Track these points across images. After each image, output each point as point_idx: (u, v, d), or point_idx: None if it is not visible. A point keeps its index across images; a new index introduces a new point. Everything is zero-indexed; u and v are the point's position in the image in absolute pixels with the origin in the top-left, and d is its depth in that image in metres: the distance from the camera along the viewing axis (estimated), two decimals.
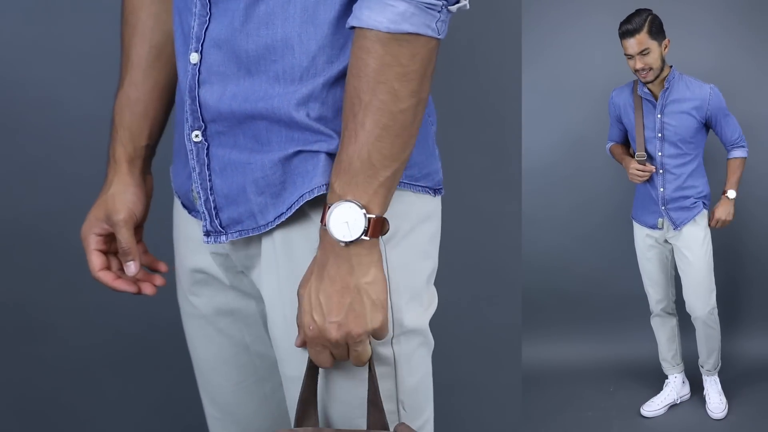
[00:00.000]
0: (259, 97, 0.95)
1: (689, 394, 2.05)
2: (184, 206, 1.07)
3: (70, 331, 1.87)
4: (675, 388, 2.04)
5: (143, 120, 1.11)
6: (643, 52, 1.83)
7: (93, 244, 1.11)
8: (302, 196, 0.96)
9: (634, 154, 1.96)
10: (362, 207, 0.91)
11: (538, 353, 2.32)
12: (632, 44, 1.83)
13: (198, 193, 1.00)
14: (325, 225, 0.91)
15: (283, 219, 0.97)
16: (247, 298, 1.09)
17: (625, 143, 2.04)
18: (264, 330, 1.10)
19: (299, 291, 0.95)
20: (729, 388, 2.11)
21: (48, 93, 1.76)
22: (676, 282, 2.06)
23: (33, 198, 1.80)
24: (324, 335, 0.93)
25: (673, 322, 2.04)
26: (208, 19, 0.95)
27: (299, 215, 0.97)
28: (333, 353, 0.95)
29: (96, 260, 1.11)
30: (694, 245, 1.94)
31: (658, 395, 2.04)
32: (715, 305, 2.01)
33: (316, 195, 0.95)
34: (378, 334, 0.95)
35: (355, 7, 0.91)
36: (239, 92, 0.95)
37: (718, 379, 2.08)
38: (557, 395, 2.19)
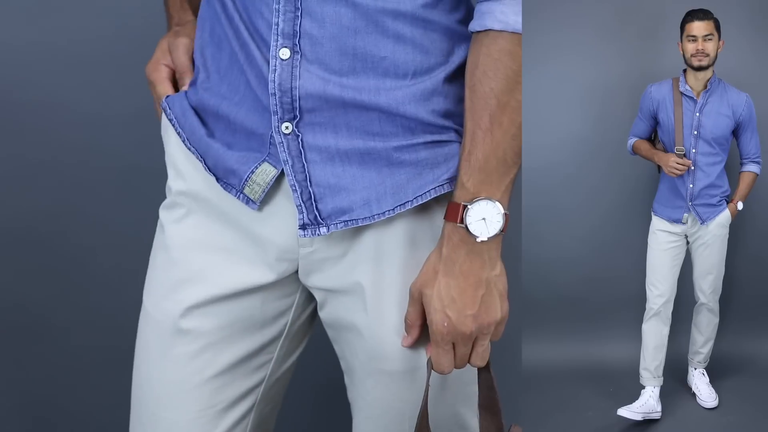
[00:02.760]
0: (371, 89, 0.95)
1: (660, 414, 2.05)
2: (227, 184, 1.02)
3: (70, 331, 1.87)
4: (654, 398, 2.04)
5: None
6: (707, 37, 1.92)
7: (164, 72, 1.11)
8: (441, 186, 0.98)
9: (665, 149, 2.02)
10: (499, 204, 0.95)
11: (538, 353, 2.32)
12: (700, 26, 1.92)
13: (293, 186, 0.98)
14: (459, 222, 0.94)
15: (407, 207, 0.98)
16: (252, 305, 1.06)
17: (649, 139, 2.08)
18: (257, 341, 1.07)
19: (424, 291, 0.96)
20: (722, 389, 2.12)
21: (48, 93, 1.76)
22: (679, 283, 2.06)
23: (33, 198, 1.80)
24: (459, 329, 0.95)
25: (666, 331, 2.05)
26: (299, 15, 0.95)
27: (421, 206, 0.99)
28: (457, 354, 0.98)
29: (169, 88, 1.11)
30: (717, 239, 2.03)
31: (635, 403, 2.03)
32: (720, 293, 2.09)
33: (450, 189, 0.98)
34: (502, 325, 0.99)
35: (492, 9, 0.94)
36: (348, 84, 0.95)
37: (706, 373, 2.14)
38: (557, 395, 2.19)
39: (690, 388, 2.15)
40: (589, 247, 2.37)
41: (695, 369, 2.15)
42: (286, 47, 0.95)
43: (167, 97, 1.08)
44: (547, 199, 2.35)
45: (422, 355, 1.01)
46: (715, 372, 2.17)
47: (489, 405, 1.04)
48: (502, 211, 0.95)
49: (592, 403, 2.14)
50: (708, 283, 2.06)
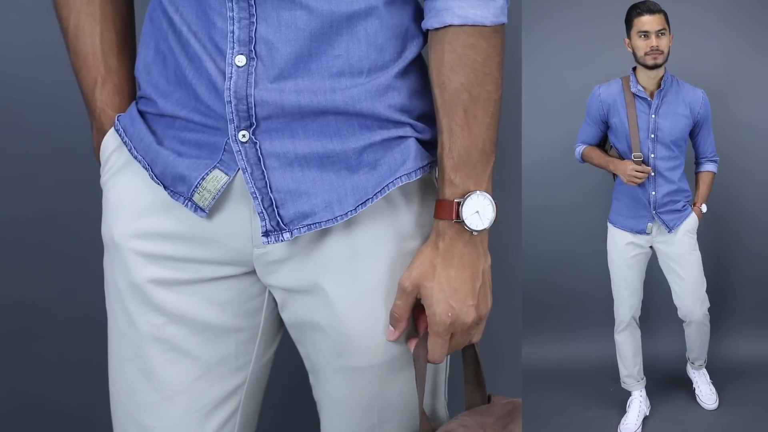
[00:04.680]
0: (326, 90, 0.96)
1: (650, 408, 2.04)
2: (174, 192, 1.02)
3: (70, 331, 1.87)
4: (644, 402, 2.02)
5: (128, 100, 1.12)
6: (661, 32, 1.81)
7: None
8: (398, 178, 0.98)
9: (619, 156, 1.90)
10: (488, 195, 0.97)
11: (538, 353, 2.32)
12: (652, 21, 1.80)
13: (253, 193, 0.97)
14: (456, 219, 0.96)
15: (368, 206, 0.98)
16: (222, 311, 1.06)
17: (599, 146, 1.97)
18: (232, 344, 1.08)
19: (423, 283, 0.97)
20: (722, 389, 2.11)
21: (48, 93, 1.76)
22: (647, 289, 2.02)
23: (33, 198, 1.80)
24: (461, 319, 0.97)
25: (638, 333, 2.00)
26: (254, 21, 0.94)
27: (381, 201, 0.99)
28: (454, 344, 0.99)
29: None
30: (688, 248, 1.92)
31: (630, 413, 2.00)
32: (708, 304, 2.00)
33: (414, 179, 0.99)
34: (485, 319, 1.02)
35: (450, 6, 0.95)
36: (304, 86, 0.95)
37: (706, 372, 2.08)
38: (557, 395, 2.19)
39: (689, 384, 2.11)
40: (589, 247, 2.37)
41: (695, 371, 2.11)
42: (242, 54, 0.95)
43: (118, 116, 1.09)
44: (547, 199, 2.35)
45: (389, 349, 1.02)
46: (715, 372, 2.16)
47: (475, 380, 1.07)
48: (493, 201, 0.97)
49: (592, 403, 2.14)
50: (694, 301, 1.95)
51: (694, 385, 2.09)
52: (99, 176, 1.16)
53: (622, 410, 2.03)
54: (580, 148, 1.97)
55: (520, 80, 1.78)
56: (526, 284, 2.14)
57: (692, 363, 2.10)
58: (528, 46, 1.79)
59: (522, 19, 1.74)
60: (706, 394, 2.06)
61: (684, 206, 1.90)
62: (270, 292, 1.09)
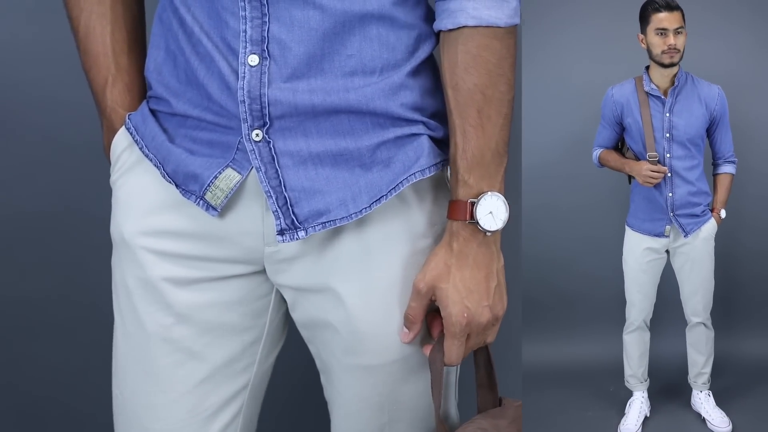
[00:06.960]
0: (339, 89, 0.96)
1: (650, 409, 2.02)
2: (186, 191, 1.02)
3: (70, 330, 1.87)
4: (645, 403, 2.01)
5: (138, 99, 1.12)
6: (679, 30, 1.76)
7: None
8: (413, 174, 0.98)
9: (635, 157, 1.88)
10: (501, 195, 0.97)
11: (538, 353, 2.32)
12: (671, 18, 1.76)
13: (267, 192, 0.97)
14: (470, 219, 0.96)
15: (382, 203, 0.98)
16: (230, 311, 1.07)
17: (616, 149, 1.94)
18: (238, 345, 1.08)
19: (438, 285, 0.97)
20: (726, 393, 2.10)
21: (48, 93, 1.76)
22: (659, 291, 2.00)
23: (33, 197, 1.80)
24: (477, 320, 0.97)
25: (647, 336, 1.99)
26: (267, 20, 0.94)
27: (394, 200, 0.99)
28: (470, 345, 0.99)
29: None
30: (704, 254, 1.89)
31: (630, 414, 1.99)
32: (711, 306, 1.97)
33: (428, 175, 0.99)
34: (500, 320, 1.02)
35: (464, 6, 0.95)
36: (317, 86, 0.95)
37: (711, 394, 2.01)
38: (557, 395, 2.19)
39: (698, 414, 2.02)
40: (588, 247, 2.37)
41: (700, 392, 2.01)
42: (254, 53, 0.95)
43: (129, 114, 1.09)
44: (547, 199, 2.35)
45: (401, 348, 1.02)
46: (715, 372, 2.16)
47: (487, 383, 1.07)
48: (505, 201, 0.97)
49: (592, 403, 2.14)
50: (699, 302, 1.93)
51: (703, 413, 1.99)
52: (101, 175, 1.16)
53: (622, 410, 2.03)
54: (597, 152, 1.95)
55: (520, 80, 1.78)
56: (526, 284, 2.13)
57: (695, 382, 2.01)
58: (528, 46, 1.78)
59: (522, 19, 1.74)
60: (717, 419, 1.97)
61: (703, 211, 1.86)
62: (277, 293, 1.09)
